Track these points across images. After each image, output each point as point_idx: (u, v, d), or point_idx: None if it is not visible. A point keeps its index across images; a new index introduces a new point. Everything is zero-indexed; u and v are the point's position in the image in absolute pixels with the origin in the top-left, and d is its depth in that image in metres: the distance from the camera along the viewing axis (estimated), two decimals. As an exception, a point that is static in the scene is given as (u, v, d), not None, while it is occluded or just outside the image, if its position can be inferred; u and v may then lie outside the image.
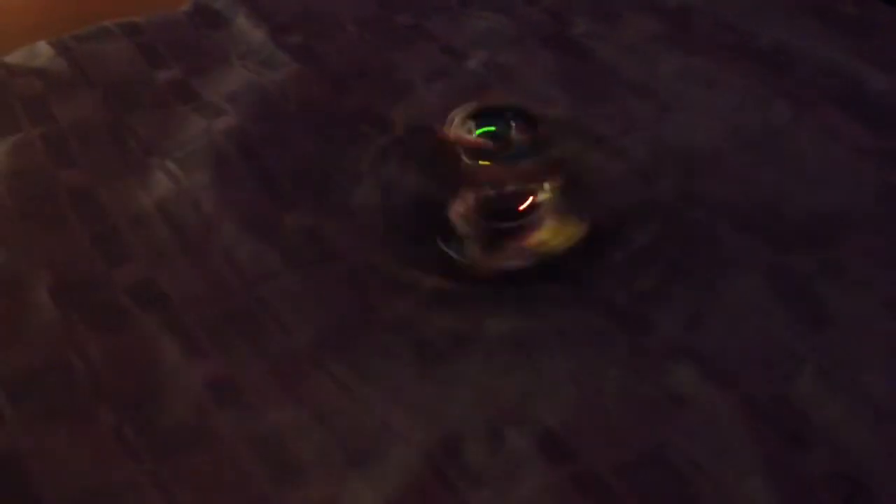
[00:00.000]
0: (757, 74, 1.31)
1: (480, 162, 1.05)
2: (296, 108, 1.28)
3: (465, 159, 1.05)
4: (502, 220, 1.06)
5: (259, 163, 1.18)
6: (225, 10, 1.46)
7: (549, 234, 1.06)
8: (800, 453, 0.86)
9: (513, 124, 1.05)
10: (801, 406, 0.89)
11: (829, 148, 1.19)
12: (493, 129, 1.06)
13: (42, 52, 1.34)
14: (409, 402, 0.92)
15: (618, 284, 1.02)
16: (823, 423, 0.88)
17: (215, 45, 1.40)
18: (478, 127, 1.05)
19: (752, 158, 1.18)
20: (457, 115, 1.06)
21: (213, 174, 1.16)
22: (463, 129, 1.05)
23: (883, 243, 1.06)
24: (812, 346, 0.95)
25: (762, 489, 0.83)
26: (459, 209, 1.07)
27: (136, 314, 1.00)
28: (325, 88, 1.32)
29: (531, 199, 1.06)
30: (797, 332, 0.96)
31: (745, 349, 0.95)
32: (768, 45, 1.36)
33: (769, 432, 0.88)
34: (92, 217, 1.11)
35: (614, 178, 1.15)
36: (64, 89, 1.28)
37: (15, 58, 1.35)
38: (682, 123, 1.23)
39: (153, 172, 1.16)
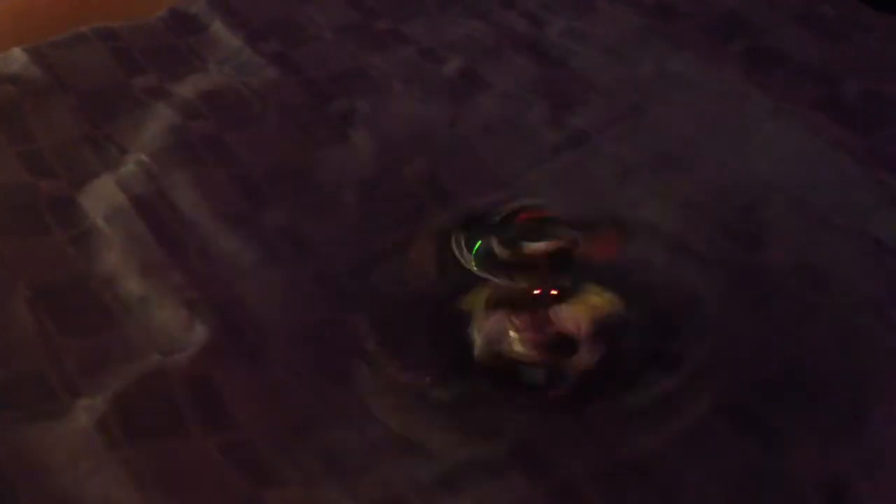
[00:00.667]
0: (735, 75, 1.31)
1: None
2: (273, 110, 1.27)
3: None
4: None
5: (236, 164, 1.18)
6: (201, 15, 1.46)
7: (578, 314, 0.94)
8: None
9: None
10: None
11: (810, 144, 1.19)
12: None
13: (16, 58, 1.33)
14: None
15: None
16: None
17: (192, 51, 1.39)
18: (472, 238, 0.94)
19: (730, 155, 1.18)
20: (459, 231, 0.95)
21: (190, 172, 1.15)
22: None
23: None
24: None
25: None
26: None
27: (117, 314, 1.00)
28: (302, 92, 1.32)
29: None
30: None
31: None
32: (746, 46, 1.37)
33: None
34: (70, 220, 1.11)
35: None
36: (39, 96, 1.27)
37: (-12, 64, 1.34)
38: (659, 124, 1.24)
39: (129, 170, 1.16)
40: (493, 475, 0.85)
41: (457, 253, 0.93)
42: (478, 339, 0.93)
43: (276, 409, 0.92)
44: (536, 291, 0.92)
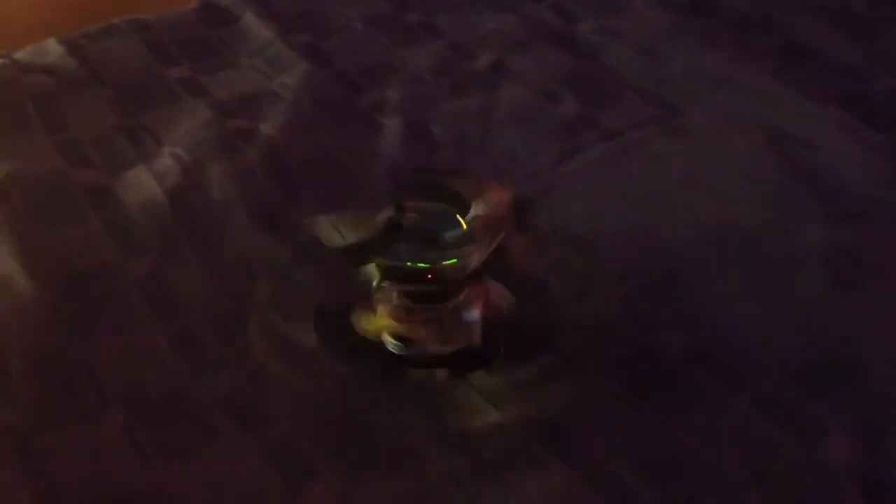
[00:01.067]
0: (766, 72, 1.31)
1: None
2: (305, 104, 1.28)
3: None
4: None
5: (270, 157, 1.18)
6: (233, 7, 1.47)
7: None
8: None
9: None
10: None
11: (840, 142, 1.19)
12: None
13: (52, 49, 1.34)
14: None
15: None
16: None
17: (223, 43, 1.40)
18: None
19: (762, 151, 1.18)
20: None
21: (224, 166, 1.16)
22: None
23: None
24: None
25: None
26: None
27: (145, 314, 1.00)
28: (333, 86, 1.32)
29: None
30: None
31: None
32: (777, 43, 1.37)
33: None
34: (106, 210, 1.11)
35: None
36: (74, 87, 1.28)
37: (24, 55, 1.35)
38: (690, 121, 1.24)
39: (165, 163, 1.17)
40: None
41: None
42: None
43: (309, 405, 0.92)
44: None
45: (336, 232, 1.03)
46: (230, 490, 0.85)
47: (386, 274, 0.94)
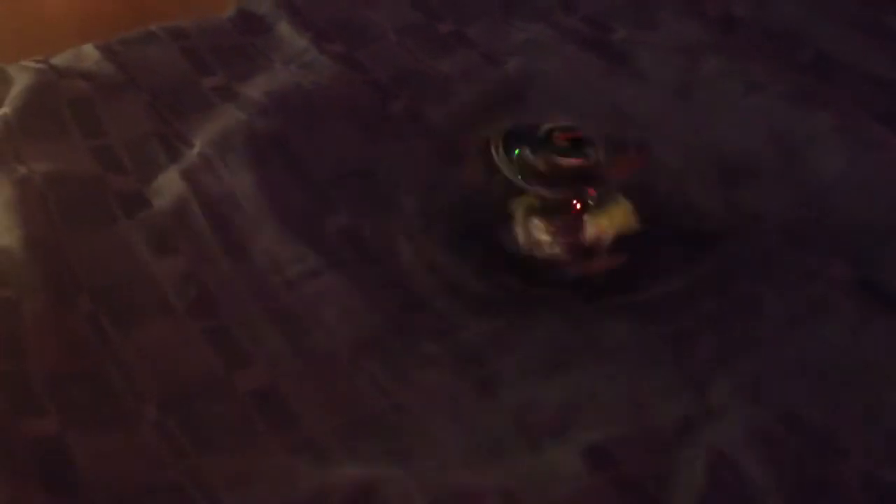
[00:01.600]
0: (799, 84, 1.31)
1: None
2: (338, 110, 1.29)
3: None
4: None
5: (300, 163, 1.20)
6: (268, 16, 1.48)
7: (605, 223, 1.06)
8: None
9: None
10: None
11: (870, 158, 1.19)
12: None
13: (89, 55, 1.36)
14: (448, 409, 0.93)
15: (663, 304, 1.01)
16: None
17: (258, 51, 1.41)
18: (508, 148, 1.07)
19: (792, 167, 1.18)
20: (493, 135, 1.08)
21: (255, 173, 1.17)
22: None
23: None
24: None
25: None
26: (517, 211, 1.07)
27: (180, 313, 1.01)
28: (366, 92, 1.33)
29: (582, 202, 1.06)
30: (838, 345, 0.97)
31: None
32: (812, 55, 1.37)
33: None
34: (137, 214, 1.13)
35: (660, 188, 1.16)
36: (111, 93, 1.29)
37: (62, 60, 1.36)
38: (720, 132, 1.24)
39: (193, 163, 1.18)
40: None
41: (497, 160, 1.07)
42: (521, 238, 1.04)
43: (342, 407, 0.93)
44: (575, 203, 1.05)
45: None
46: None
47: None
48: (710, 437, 0.88)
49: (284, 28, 1.45)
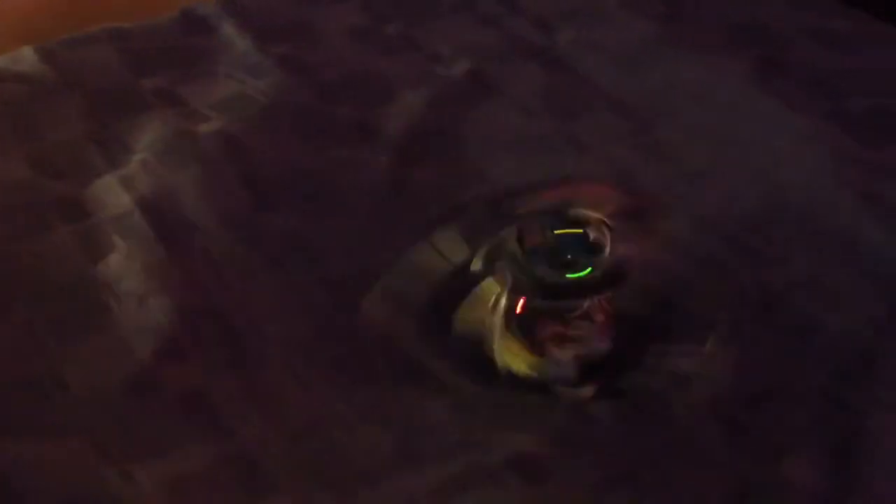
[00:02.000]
0: (746, 85, 1.31)
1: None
2: (282, 114, 1.27)
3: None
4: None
5: (243, 165, 1.18)
6: (212, 17, 1.46)
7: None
8: None
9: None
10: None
11: (812, 153, 1.19)
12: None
13: (25, 57, 1.33)
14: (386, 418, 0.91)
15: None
16: None
17: (202, 52, 1.39)
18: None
19: (739, 167, 1.18)
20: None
21: (195, 173, 1.15)
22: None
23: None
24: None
25: None
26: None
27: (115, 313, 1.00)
28: (311, 96, 1.32)
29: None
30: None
31: None
32: (758, 55, 1.37)
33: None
34: (75, 219, 1.11)
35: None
36: (47, 95, 1.27)
37: (-1, 62, 1.34)
38: (669, 135, 1.24)
39: (133, 169, 1.16)
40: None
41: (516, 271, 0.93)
42: (498, 351, 0.94)
43: (274, 415, 0.91)
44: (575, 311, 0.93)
45: (436, 252, 1.02)
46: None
47: (534, 287, 0.92)
48: None
49: (229, 29, 1.43)
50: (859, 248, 1.08)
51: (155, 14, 1.48)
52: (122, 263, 1.06)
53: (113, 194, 1.13)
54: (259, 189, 1.16)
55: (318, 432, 0.90)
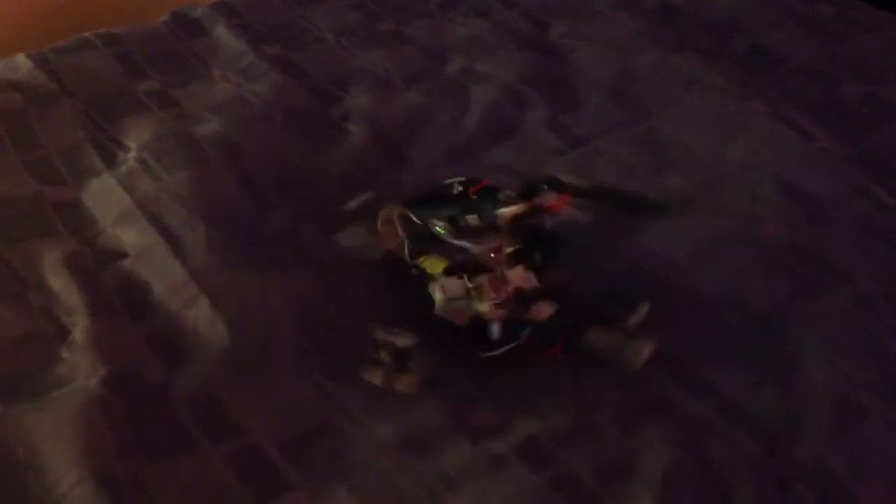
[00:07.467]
0: (735, 77, 1.32)
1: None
2: (276, 113, 1.28)
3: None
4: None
5: (240, 166, 1.18)
6: (204, 20, 1.46)
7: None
8: None
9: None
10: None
11: (802, 147, 1.20)
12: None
13: (21, 64, 1.33)
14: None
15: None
16: None
17: (195, 55, 1.40)
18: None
19: (725, 156, 1.20)
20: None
21: (193, 174, 1.16)
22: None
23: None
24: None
25: None
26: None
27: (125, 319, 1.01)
28: (305, 95, 1.32)
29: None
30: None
31: None
32: (746, 47, 1.38)
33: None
34: (77, 223, 1.11)
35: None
36: (44, 103, 1.27)
37: (-7, 71, 1.34)
38: (658, 127, 1.25)
39: (131, 168, 1.17)
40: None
41: (420, 223, 1.02)
42: (437, 297, 0.99)
43: (283, 413, 0.93)
44: (493, 255, 1.00)
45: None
46: None
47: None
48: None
49: (221, 31, 1.44)
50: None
51: (147, 18, 1.49)
52: (128, 265, 1.06)
53: (113, 195, 1.14)
54: (256, 189, 1.16)
55: (329, 428, 0.91)
